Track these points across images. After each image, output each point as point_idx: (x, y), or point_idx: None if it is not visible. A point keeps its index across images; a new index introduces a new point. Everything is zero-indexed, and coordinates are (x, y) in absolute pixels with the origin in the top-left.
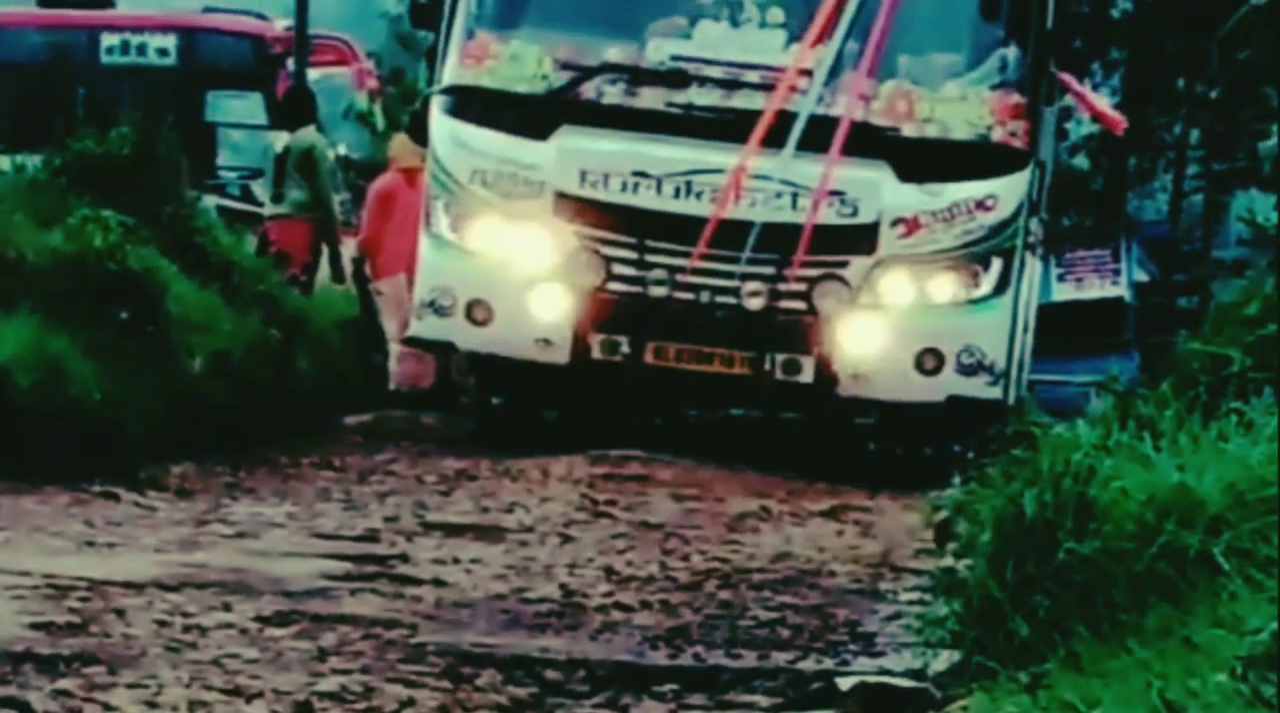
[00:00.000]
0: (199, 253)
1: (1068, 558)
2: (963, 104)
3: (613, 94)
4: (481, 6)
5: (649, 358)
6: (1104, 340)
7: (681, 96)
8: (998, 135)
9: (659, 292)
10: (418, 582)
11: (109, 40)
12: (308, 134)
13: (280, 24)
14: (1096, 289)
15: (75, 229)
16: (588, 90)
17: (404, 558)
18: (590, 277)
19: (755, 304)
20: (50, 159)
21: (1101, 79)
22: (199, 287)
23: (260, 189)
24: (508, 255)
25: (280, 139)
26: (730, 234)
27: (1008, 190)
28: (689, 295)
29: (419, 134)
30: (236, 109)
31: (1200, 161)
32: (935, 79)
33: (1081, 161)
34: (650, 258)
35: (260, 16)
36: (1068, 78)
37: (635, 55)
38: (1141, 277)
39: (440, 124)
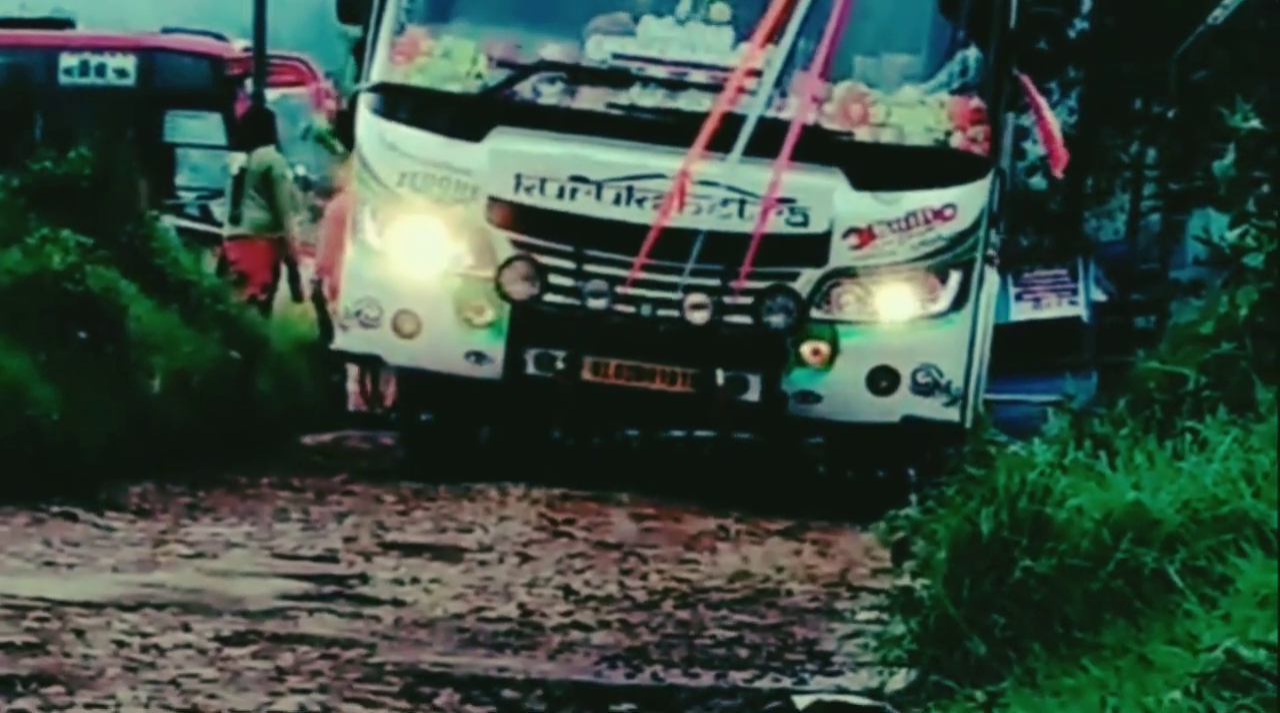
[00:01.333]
0: (158, 273)
1: (1024, 576)
2: (920, 108)
3: (550, 94)
4: (413, 0)
5: (587, 374)
6: (1062, 360)
7: (623, 97)
8: (957, 141)
9: (598, 304)
10: (376, 602)
11: (68, 61)
12: (267, 154)
13: (239, 44)
14: (1054, 309)
15: (34, 249)
16: (524, 90)
17: (363, 578)
18: (525, 287)
19: (699, 318)
20: (8, 180)
21: (1059, 98)
22: (158, 307)
23: (219, 209)
24: (438, 264)
25: (239, 159)
26: (673, 243)
27: (967, 199)
28: (629, 308)
29: (345, 135)
30: (195, 129)
31: (1157, 181)
32: (892, 81)
33: (1039, 181)
34: (589, 268)
35: (219, 37)
36: (1029, 84)
37: (574, 53)
38: (1099, 296)
39: (367, 125)
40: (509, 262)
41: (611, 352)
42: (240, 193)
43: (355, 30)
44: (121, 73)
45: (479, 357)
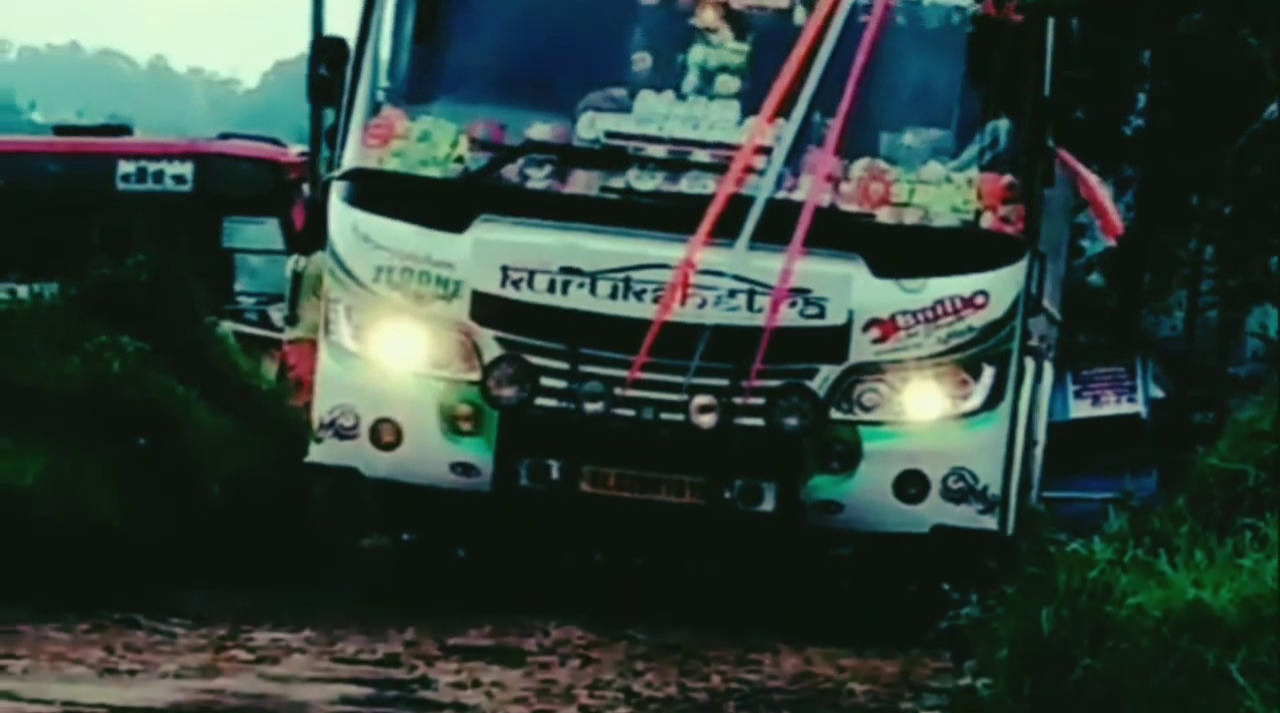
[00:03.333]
0: (217, 378)
1: (1085, 675)
2: (947, 186)
3: (539, 178)
4: (389, 78)
5: (585, 486)
6: (1121, 457)
7: (618, 180)
8: (988, 221)
9: (595, 407)
10: (438, 706)
11: (125, 167)
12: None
13: (295, 149)
14: (1113, 406)
15: (93, 356)
16: (510, 173)
17: (424, 682)
18: (515, 391)
19: (707, 421)
20: (67, 287)
21: (1116, 197)
22: (217, 412)
23: (278, 314)
24: (419, 367)
25: (297, 263)
26: (676, 340)
27: (1000, 285)
28: (630, 412)
29: (317, 228)
30: (253, 234)
31: (1214, 277)
32: (914, 157)
33: (1096, 278)
34: (584, 368)
35: (275, 142)
36: (1069, 156)
37: (565, 132)
38: (1158, 393)
39: (339, 215)
40: (496, 363)
41: (612, 460)
42: (299, 297)
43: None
44: (179, 179)
45: (466, 468)
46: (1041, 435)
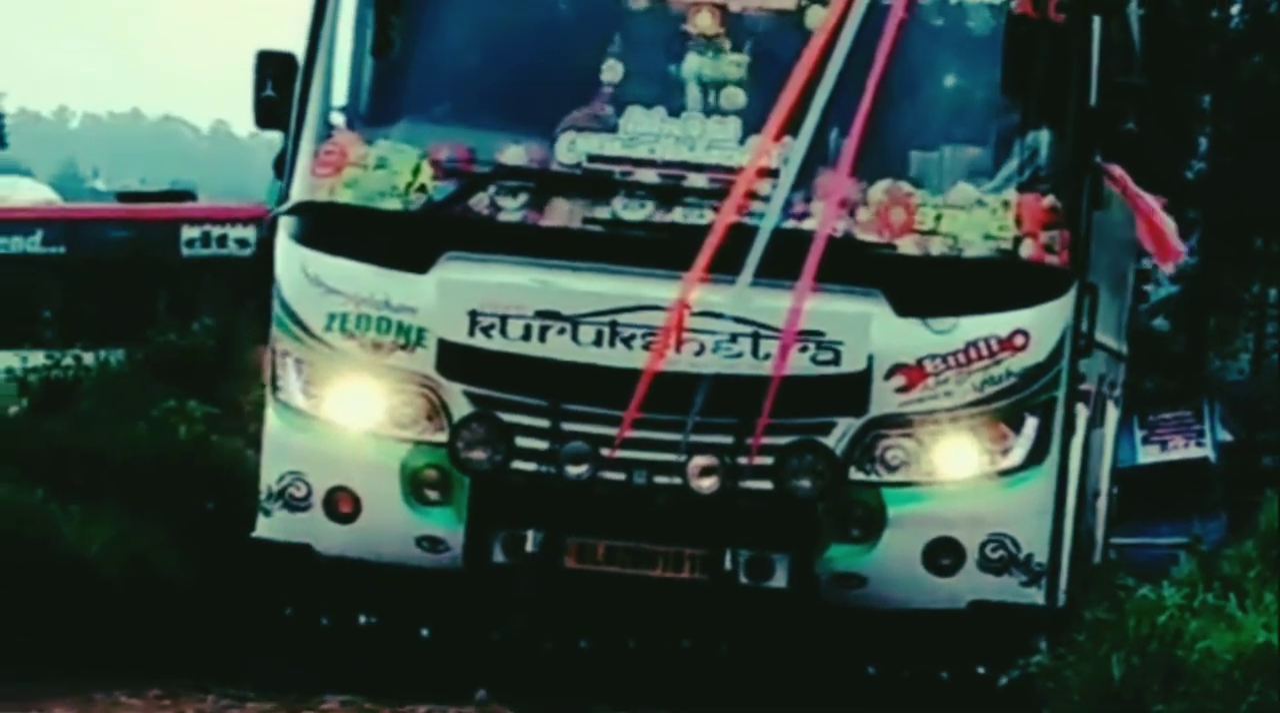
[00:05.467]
0: None
1: None
2: (980, 210)
3: (512, 209)
4: (342, 97)
5: (569, 560)
6: (1190, 501)
7: (603, 210)
8: (1027, 250)
9: (579, 471)
10: None
11: (189, 233)
12: None
13: None
14: (1181, 451)
15: (159, 422)
16: (479, 204)
17: None
18: (487, 453)
19: (707, 485)
20: (133, 353)
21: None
22: None
23: None
24: (378, 428)
25: None
26: (671, 392)
27: (1043, 323)
28: (619, 475)
29: (263, 269)
30: None
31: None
32: (942, 178)
33: (1161, 323)
34: (566, 426)
35: None
36: (1119, 171)
37: (542, 156)
38: (1225, 437)
39: (287, 255)
40: (466, 422)
41: (599, 531)
42: None
43: None
44: (243, 243)
45: (433, 542)
46: (1104, 485)
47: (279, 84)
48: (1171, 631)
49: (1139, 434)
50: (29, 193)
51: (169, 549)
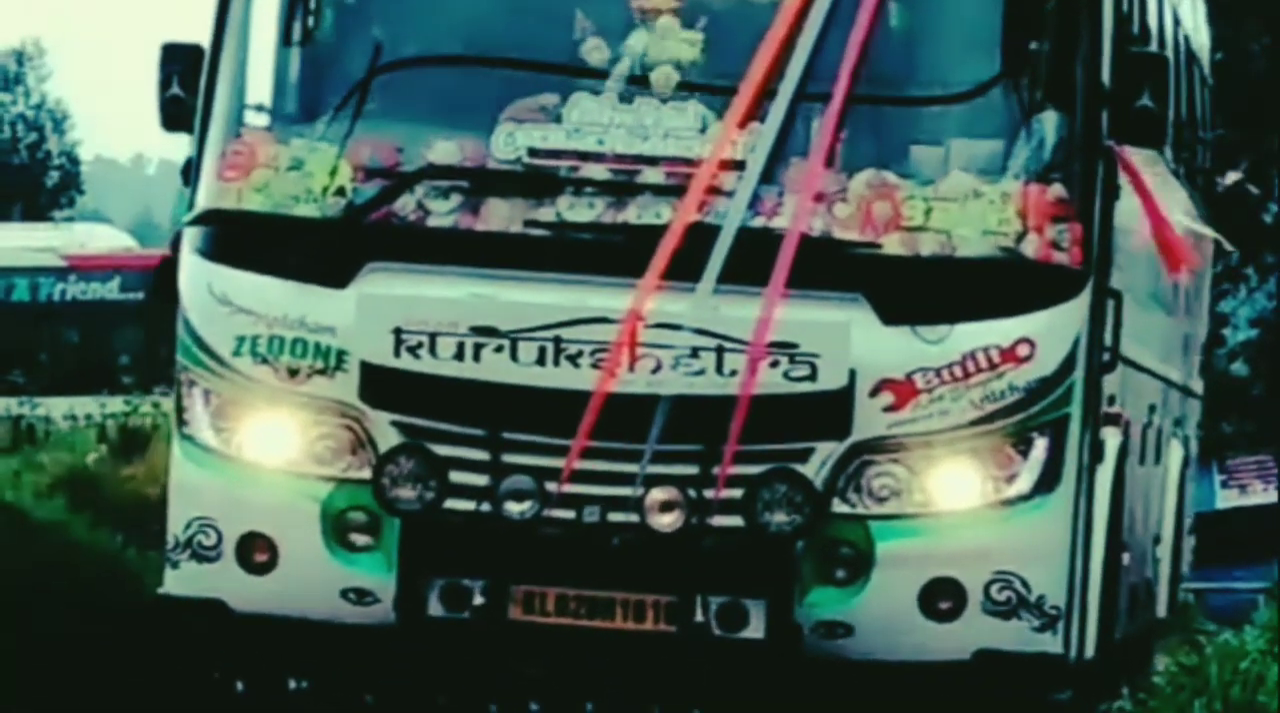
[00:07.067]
0: None
1: None
2: (976, 202)
3: (443, 211)
4: (256, 90)
5: (515, 612)
6: (1270, 546)
7: (546, 211)
8: (1032, 248)
9: (521, 508)
10: None
11: None
12: None
13: None
14: (1260, 495)
15: None
16: (405, 208)
17: None
18: (418, 491)
19: (668, 522)
20: None
21: (1257, 283)
22: None
23: None
24: (295, 465)
25: None
26: (625, 417)
27: (1051, 330)
28: (568, 513)
29: (167, 289)
30: None
31: None
32: (932, 166)
33: (1240, 367)
34: (507, 458)
35: None
36: (1129, 157)
37: (477, 152)
38: None
39: (192, 271)
40: (392, 455)
41: (549, 577)
42: None
43: None
44: None
45: (360, 594)
46: (1167, 530)
47: (185, 81)
48: (1254, 676)
49: (1218, 479)
50: (107, 240)
51: None
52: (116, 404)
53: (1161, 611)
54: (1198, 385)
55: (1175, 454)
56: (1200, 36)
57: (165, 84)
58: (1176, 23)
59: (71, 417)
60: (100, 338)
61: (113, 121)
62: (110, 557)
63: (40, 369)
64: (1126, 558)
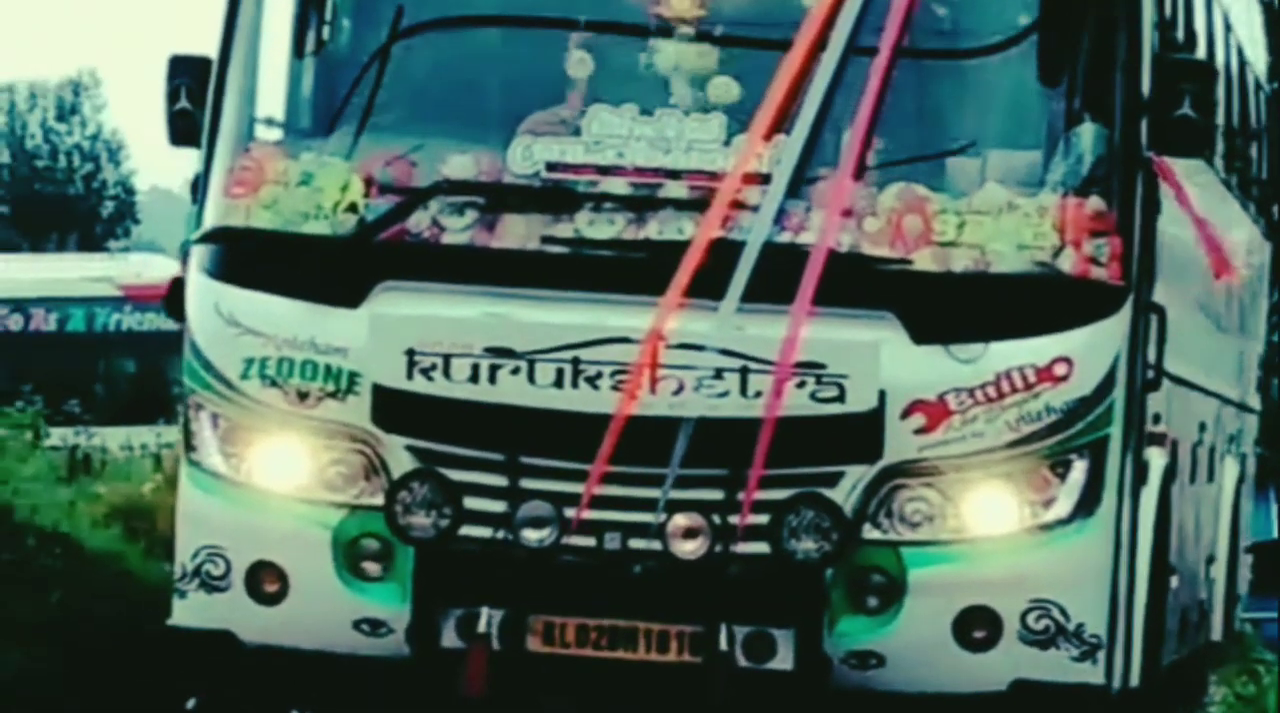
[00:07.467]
0: None
1: None
2: (1011, 216)
3: (457, 228)
4: (265, 103)
5: (534, 643)
6: None
7: (565, 227)
8: (1069, 263)
9: (539, 536)
10: None
11: None
12: None
13: None
14: None
15: None
16: (419, 225)
17: None
18: (432, 518)
19: (691, 549)
20: None
21: None
22: None
23: None
24: (306, 492)
25: None
26: (646, 440)
27: (1090, 348)
28: (588, 540)
29: (176, 309)
30: None
31: None
32: (965, 179)
33: None
34: (524, 483)
35: None
36: (1169, 169)
37: (494, 166)
38: None
39: (199, 291)
40: (405, 481)
41: (568, 607)
42: None
43: None
44: None
45: (374, 625)
46: (1221, 550)
47: (194, 95)
48: None
49: (1275, 507)
50: (162, 270)
51: None
52: (172, 434)
53: (1216, 634)
54: (1254, 401)
55: (1230, 472)
56: (1256, 43)
57: (173, 98)
58: (1228, 28)
59: (128, 447)
60: (156, 368)
61: (168, 151)
62: (159, 587)
63: (96, 399)
64: (1175, 581)
